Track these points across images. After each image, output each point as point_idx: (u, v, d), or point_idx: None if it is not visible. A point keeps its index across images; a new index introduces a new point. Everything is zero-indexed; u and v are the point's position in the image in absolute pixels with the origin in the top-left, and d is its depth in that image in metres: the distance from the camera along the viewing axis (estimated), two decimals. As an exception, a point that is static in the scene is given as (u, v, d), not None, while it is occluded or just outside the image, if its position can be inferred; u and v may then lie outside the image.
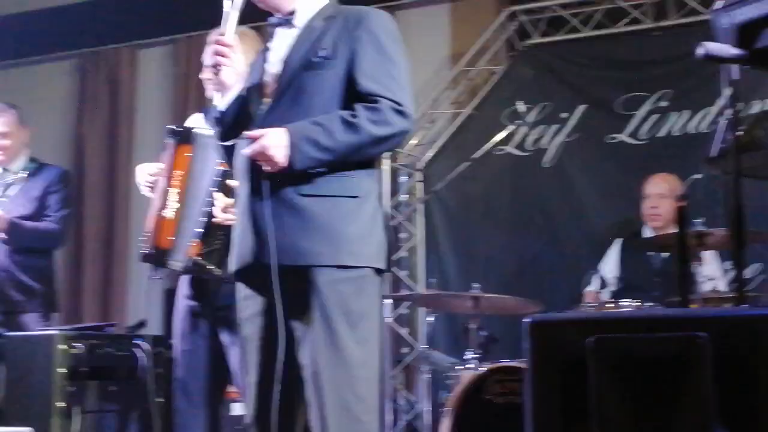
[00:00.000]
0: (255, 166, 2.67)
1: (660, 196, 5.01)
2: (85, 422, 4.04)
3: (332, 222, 2.62)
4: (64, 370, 4.08)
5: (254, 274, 2.69)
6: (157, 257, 3.45)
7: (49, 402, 4.00)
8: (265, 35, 3.00)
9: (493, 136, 5.73)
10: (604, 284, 4.56)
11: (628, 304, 4.10)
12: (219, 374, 3.57)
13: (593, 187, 5.82)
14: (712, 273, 4.73)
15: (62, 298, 5.50)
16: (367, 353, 2.65)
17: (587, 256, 5.33)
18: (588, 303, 4.42)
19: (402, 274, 6.16)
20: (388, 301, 5.91)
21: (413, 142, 6.26)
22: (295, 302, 2.63)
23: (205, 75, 2.82)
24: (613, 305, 4.19)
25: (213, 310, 3.55)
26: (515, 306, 4.66)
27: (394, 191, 6.26)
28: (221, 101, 2.79)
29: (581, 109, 5.94)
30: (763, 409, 1.99)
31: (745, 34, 2.24)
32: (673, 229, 4.95)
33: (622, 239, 5.15)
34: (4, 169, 4.82)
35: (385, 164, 6.13)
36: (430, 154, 6.29)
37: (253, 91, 2.80)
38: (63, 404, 3.98)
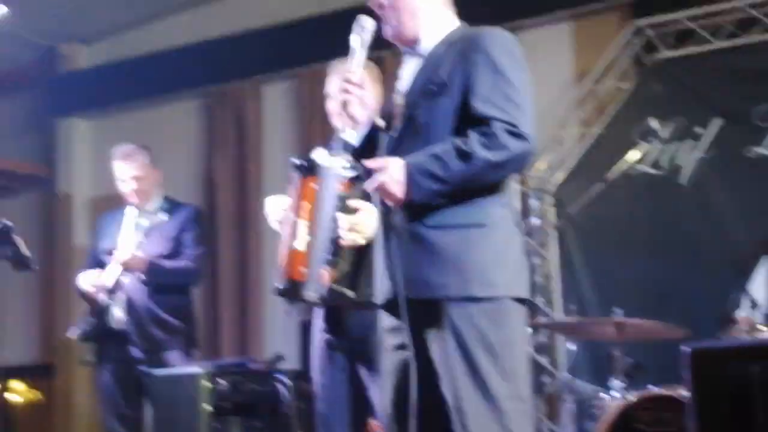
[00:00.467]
0: (383, 200, 2.68)
1: None
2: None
3: (459, 252, 2.59)
4: (209, 407, 4.14)
5: (396, 307, 2.67)
6: (292, 290, 3.44)
7: (196, 439, 4.07)
8: (387, 65, 3.02)
9: (625, 156, 5.60)
10: (754, 305, 4.37)
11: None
12: (360, 408, 3.56)
13: (734, 204, 5.59)
14: None
15: (201, 334, 5.60)
16: (514, 384, 2.59)
17: (731, 277, 5.11)
18: (740, 327, 4.24)
19: (538, 300, 6.06)
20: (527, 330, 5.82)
21: (542, 165, 6.17)
22: (433, 337, 2.61)
23: (332, 106, 2.85)
24: (766, 329, 4.02)
25: (350, 342, 3.55)
26: (659, 331, 4.51)
27: (525, 215, 6.17)
28: (352, 136, 2.84)
29: (717, 123, 5.73)
30: None
31: None
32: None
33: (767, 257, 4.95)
34: (140, 210, 4.93)
35: (514, 188, 6.05)
36: (560, 176, 6.18)
37: (382, 122, 2.81)
38: (209, 441, 4.04)
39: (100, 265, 4.90)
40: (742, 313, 4.61)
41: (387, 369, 2.77)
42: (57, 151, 8.06)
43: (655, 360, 4.66)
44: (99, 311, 4.79)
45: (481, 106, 2.61)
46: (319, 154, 3.67)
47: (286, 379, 4.32)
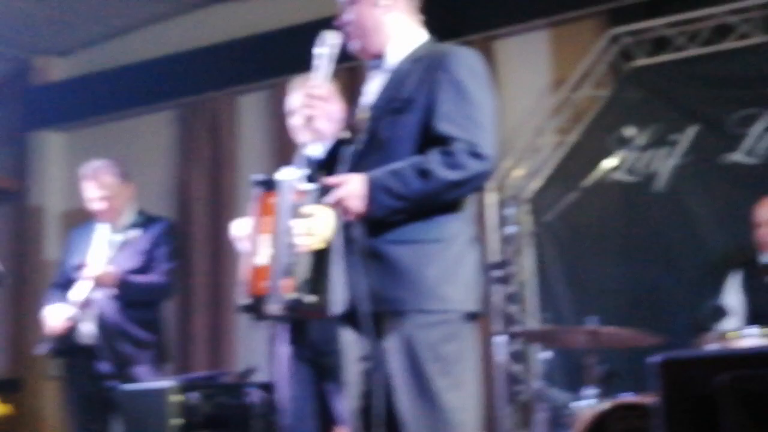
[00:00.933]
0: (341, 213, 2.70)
1: None
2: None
3: (414, 267, 2.61)
4: (179, 421, 4.11)
5: (352, 319, 2.70)
6: (255, 306, 3.49)
7: (166, 453, 4.03)
8: (359, 76, 3.02)
9: (601, 163, 5.60)
10: (725, 315, 4.37)
11: (756, 334, 3.90)
12: (325, 420, 3.58)
13: (710, 211, 5.59)
14: None
15: (172, 348, 5.55)
16: (463, 398, 2.62)
17: (706, 284, 5.12)
18: (711, 335, 4.23)
19: (513, 309, 6.03)
20: (501, 338, 5.79)
21: (519, 172, 6.15)
22: (388, 349, 2.63)
23: (295, 121, 2.86)
24: (736, 335, 4.00)
25: (314, 354, 3.58)
26: (634, 338, 4.51)
27: (502, 223, 6.14)
28: (317, 149, 2.84)
29: (692, 129, 5.74)
30: None
31: None
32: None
33: (741, 269, 4.93)
34: (112, 226, 4.88)
35: (492, 196, 6.05)
36: (537, 183, 6.16)
37: (346, 136, 2.82)
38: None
39: (70, 280, 4.85)
40: (714, 322, 4.61)
41: (351, 380, 2.78)
42: (30, 164, 8.02)
43: (631, 367, 4.63)
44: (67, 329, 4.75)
45: (442, 125, 2.63)
46: (283, 172, 3.70)
47: (257, 392, 4.28)
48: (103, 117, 7.69)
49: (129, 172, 5.04)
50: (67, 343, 4.75)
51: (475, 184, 2.64)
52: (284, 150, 6.85)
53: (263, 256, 3.48)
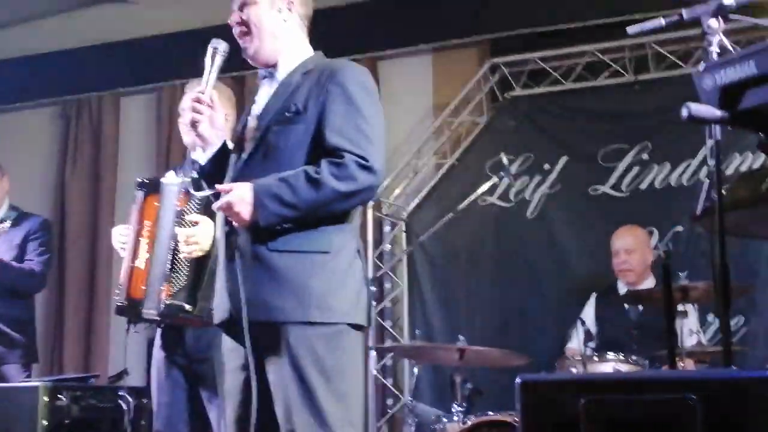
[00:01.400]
0: (228, 220, 2.69)
1: (627, 252, 5.05)
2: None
3: (300, 277, 2.61)
4: (46, 423, 4.05)
5: (234, 327, 2.68)
6: (131, 308, 3.49)
7: (32, 455, 3.97)
8: (249, 85, 3.04)
9: (476, 187, 5.72)
10: (589, 337, 4.56)
11: (613, 359, 4.11)
12: (198, 427, 3.56)
13: (576, 239, 5.84)
14: (693, 326, 4.75)
15: (43, 347, 5.47)
16: (346, 409, 2.63)
17: (571, 308, 5.33)
18: (572, 358, 4.43)
19: (386, 324, 6.16)
20: (373, 353, 5.90)
21: (397, 191, 6.28)
22: (270, 358, 2.63)
23: (183, 123, 2.84)
24: (597, 360, 4.21)
25: (188, 361, 3.56)
26: (501, 358, 4.65)
27: (378, 241, 6.26)
28: (201, 156, 2.82)
29: (563, 160, 5.99)
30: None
31: (729, 96, 2.27)
32: (647, 281, 5.04)
33: (596, 294, 5.18)
34: (-16, 219, 4.81)
35: (369, 214, 6.15)
36: (413, 204, 6.31)
37: (233, 144, 2.84)
38: (45, 458, 3.96)
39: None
40: (574, 344, 4.82)
41: (228, 389, 2.76)
42: None
43: (496, 386, 4.81)
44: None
45: (333, 137, 2.65)
46: (168, 176, 3.70)
47: (128, 396, 4.25)
48: (-17, 108, 7.52)
49: (4, 167, 4.98)
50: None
51: (363, 196, 2.67)
52: (166, 154, 6.85)
53: (142, 259, 3.47)
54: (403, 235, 6.32)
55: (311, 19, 2.94)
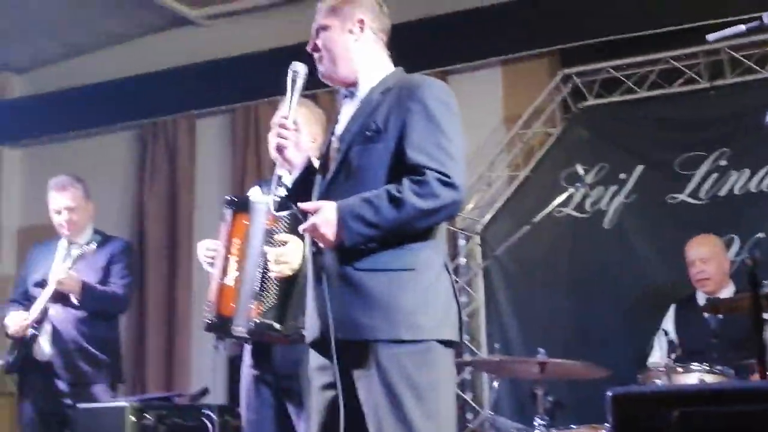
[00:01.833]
0: (314, 241, 2.72)
1: (702, 261, 4.99)
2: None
3: (387, 296, 2.62)
4: (134, 441, 4.13)
5: (325, 347, 2.69)
6: (221, 325, 3.49)
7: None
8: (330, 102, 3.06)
9: (550, 198, 5.72)
10: (672, 348, 4.50)
11: (698, 370, 4.05)
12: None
13: (655, 249, 5.76)
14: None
15: (126, 367, 5.56)
16: (437, 427, 2.62)
17: (649, 319, 5.27)
18: (656, 369, 4.36)
19: (464, 338, 6.14)
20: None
21: (470, 205, 6.27)
22: (361, 377, 2.64)
23: (271, 138, 2.88)
24: (681, 371, 4.14)
25: (276, 378, 3.56)
26: (581, 371, 4.60)
27: (453, 255, 6.26)
28: (289, 178, 2.88)
29: (639, 169, 5.92)
30: None
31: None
32: (726, 289, 4.96)
33: (675, 304, 5.11)
34: (70, 242, 4.91)
35: (443, 228, 6.12)
36: (487, 217, 6.30)
37: (318, 164, 2.87)
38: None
39: (28, 296, 4.86)
40: (656, 356, 4.75)
41: (314, 408, 2.78)
42: (-14, 179, 7.97)
43: (577, 398, 4.77)
44: (24, 343, 4.76)
45: (414, 154, 2.66)
46: (253, 192, 3.75)
47: (212, 414, 4.31)
48: (62, 135, 7.68)
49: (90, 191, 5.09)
50: (23, 359, 4.77)
51: (447, 212, 2.67)
52: (241, 174, 6.93)
53: (232, 277, 3.48)
54: (478, 248, 6.30)
55: (389, 33, 2.96)
